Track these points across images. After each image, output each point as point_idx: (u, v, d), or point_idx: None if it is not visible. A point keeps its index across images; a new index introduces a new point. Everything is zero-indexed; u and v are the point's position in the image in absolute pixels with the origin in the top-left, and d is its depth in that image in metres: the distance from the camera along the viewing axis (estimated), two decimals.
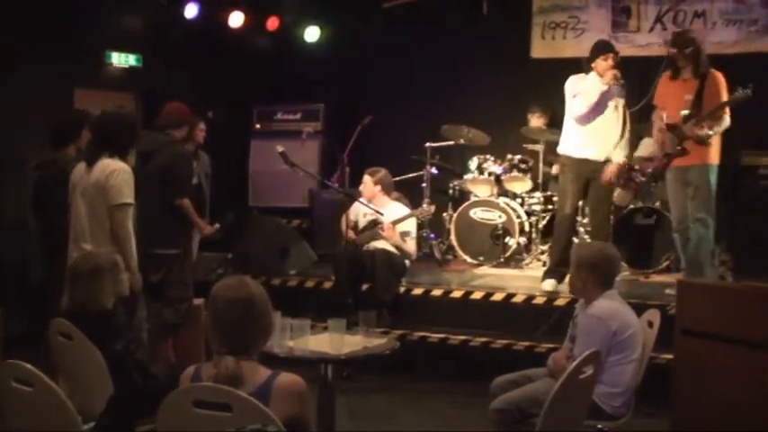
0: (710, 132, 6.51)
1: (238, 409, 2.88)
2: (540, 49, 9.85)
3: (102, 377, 3.95)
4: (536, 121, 9.12)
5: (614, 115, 7.04)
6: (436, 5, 9.74)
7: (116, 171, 4.98)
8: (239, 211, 9.36)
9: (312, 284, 7.86)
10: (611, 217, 7.76)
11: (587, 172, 7.11)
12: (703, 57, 6.65)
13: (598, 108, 6.98)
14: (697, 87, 6.58)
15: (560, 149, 7.33)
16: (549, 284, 7.18)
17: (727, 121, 6.56)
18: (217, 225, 6.60)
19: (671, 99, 6.71)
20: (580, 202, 7.80)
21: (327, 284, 7.67)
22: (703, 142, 6.53)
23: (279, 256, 8.19)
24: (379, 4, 10.06)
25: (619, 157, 7.10)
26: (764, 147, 8.20)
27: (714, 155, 6.66)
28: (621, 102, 7.08)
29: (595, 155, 7.06)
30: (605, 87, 6.92)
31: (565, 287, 7.01)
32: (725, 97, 6.52)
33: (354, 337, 4.64)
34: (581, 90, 7.00)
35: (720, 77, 6.61)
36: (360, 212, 7.47)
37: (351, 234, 7.31)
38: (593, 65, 7.03)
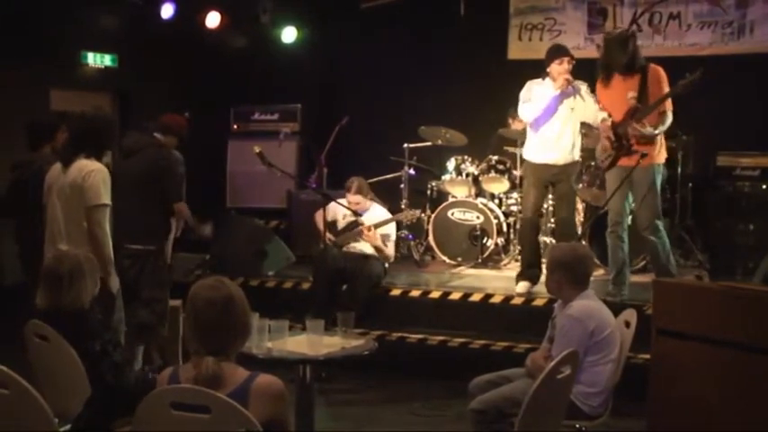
0: (654, 131, 6.34)
1: (216, 411, 2.86)
2: (517, 50, 9.90)
3: (79, 378, 3.92)
4: (517, 124, 9.04)
5: (571, 118, 6.99)
6: (414, 7, 9.78)
7: (93, 171, 4.97)
8: (217, 212, 9.34)
9: (290, 285, 7.85)
10: (589, 217, 7.78)
11: (548, 176, 7.10)
12: (639, 51, 6.49)
13: (551, 113, 6.93)
14: (639, 83, 6.41)
15: (523, 154, 7.36)
16: (523, 287, 7.19)
17: (669, 117, 6.41)
18: (209, 226, 6.48)
19: (614, 101, 6.56)
20: (545, 205, 7.88)
21: (305, 285, 7.66)
22: (648, 140, 6.37)
23: (257, 257, 8.17)
24: (356, 6, 10.07)
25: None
26: (740, 148, 8.24)
27: (659, 154, 6.52)
28: (580, 103, 6.94)
29: (554, 159, 7.03)
30: (557, 92, 6.89)
31: (539, 288, 7.05)
32: (666, 89, 6.36)
33: (333, 338, 4.63)
34: (533, 96, 6.98)
35: (660, 70, 6.43)
36: (338, 213, 7.45)
37: (329, 235, 7.29)
38: (548, 69, 6.95)
